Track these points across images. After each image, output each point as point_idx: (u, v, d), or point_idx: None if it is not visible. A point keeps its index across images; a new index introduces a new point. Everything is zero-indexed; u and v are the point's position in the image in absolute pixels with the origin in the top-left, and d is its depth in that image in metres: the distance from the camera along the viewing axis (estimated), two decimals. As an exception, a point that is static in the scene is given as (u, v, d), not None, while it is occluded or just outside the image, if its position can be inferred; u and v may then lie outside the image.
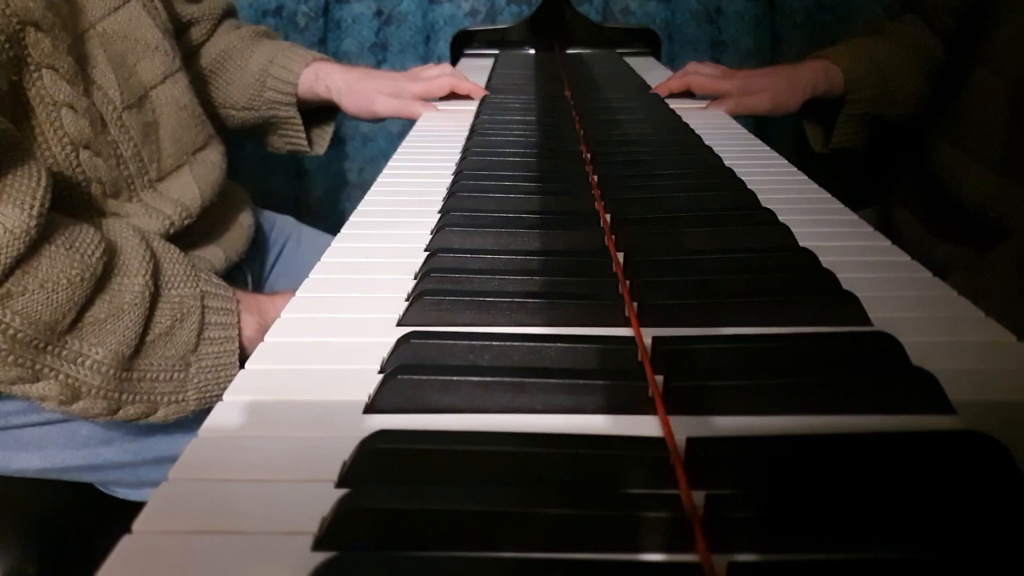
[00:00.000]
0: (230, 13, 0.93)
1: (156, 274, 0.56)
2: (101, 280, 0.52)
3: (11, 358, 0.48)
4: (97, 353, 0.51)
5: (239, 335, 0.59)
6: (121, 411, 0.54)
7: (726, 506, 0.24)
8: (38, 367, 0.50)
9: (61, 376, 0.51)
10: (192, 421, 0.62)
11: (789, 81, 0.91)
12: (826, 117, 0.95)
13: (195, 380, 0.57)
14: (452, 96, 0.95)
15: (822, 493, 0.26)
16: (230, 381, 0.56)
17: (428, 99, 0.93)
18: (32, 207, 0.47)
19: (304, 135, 0.94)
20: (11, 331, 0.47)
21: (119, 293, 0.53)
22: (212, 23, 0.87)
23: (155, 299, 0.55)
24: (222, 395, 0.54)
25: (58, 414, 0.61)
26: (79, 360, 0.51)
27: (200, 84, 0.88)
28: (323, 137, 0.98)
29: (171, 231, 0.65)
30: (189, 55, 0.86)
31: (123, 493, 0.66)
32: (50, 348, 0.50)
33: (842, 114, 0.91)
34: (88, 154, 0.59)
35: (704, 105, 0.92)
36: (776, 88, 0.91)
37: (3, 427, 0.62)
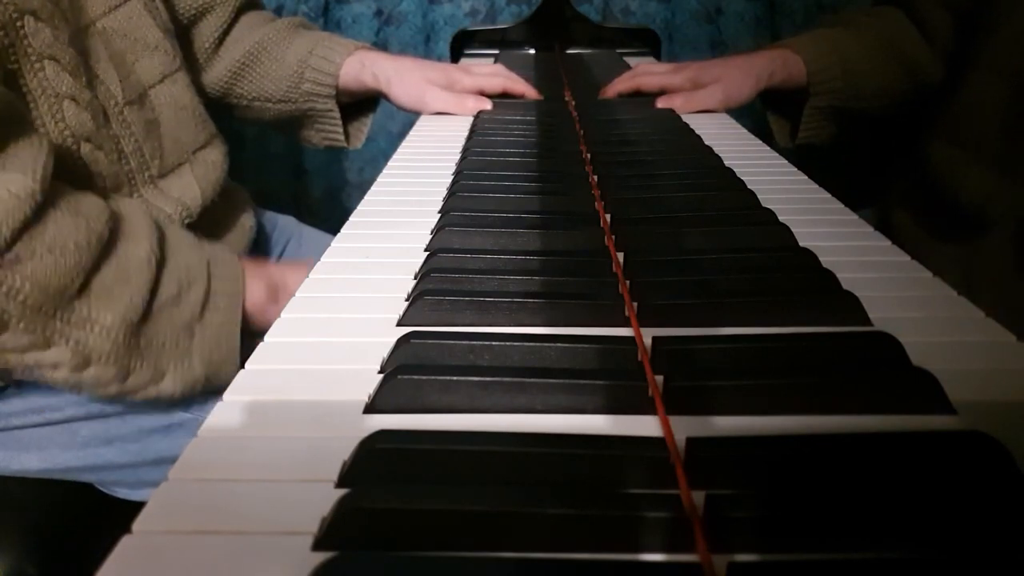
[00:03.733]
0: (253, 4, 0.91)
1: (162, 242, 0.56)
2: (107, 246, 0.52)
3: (22, 325, 0.48)
4: (106, 319, 0.51)
5: (244, 302, 0.60)
6: (131, 377, 0.54)
7: (726, 506, 0.24)
8: (48, 333, 0.50)
9: (71, 342, 0.51)
10: (192, 421, 0.62)
11: (741, 71, 0.87)
12: (791, 110, 0.92)
13: (199, 348, 0.57)
14: (502, 96, 0.93)
15: (822, 493, 0.26)
16: (234, 350, 0.57)
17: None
18: (36, 172, 0.47)
19: (342, 128, 0.92)
20: (21, 296, 0.47)
21: (126, 259, 0.53)
22: (230, 11, 0.85)
23: (161, 266, 0.55)
24: (229, 361, 0.55)
25: (59, 414, 0.62)
26: (88, 326, 0.51)
27: (232, 77, 0.87)
28: (360, 130, 0.96)
29: None
30: (209, 48, 0.85)
31: (123, 493, 0.66)
32: (59, 314, 0.50)
33: (807, 107, 0.88)
34: (89, 147, 0.60)
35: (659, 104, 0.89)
36: (728, 79, 0.87)
37: (4, 428, 0.62)
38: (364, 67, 0.88)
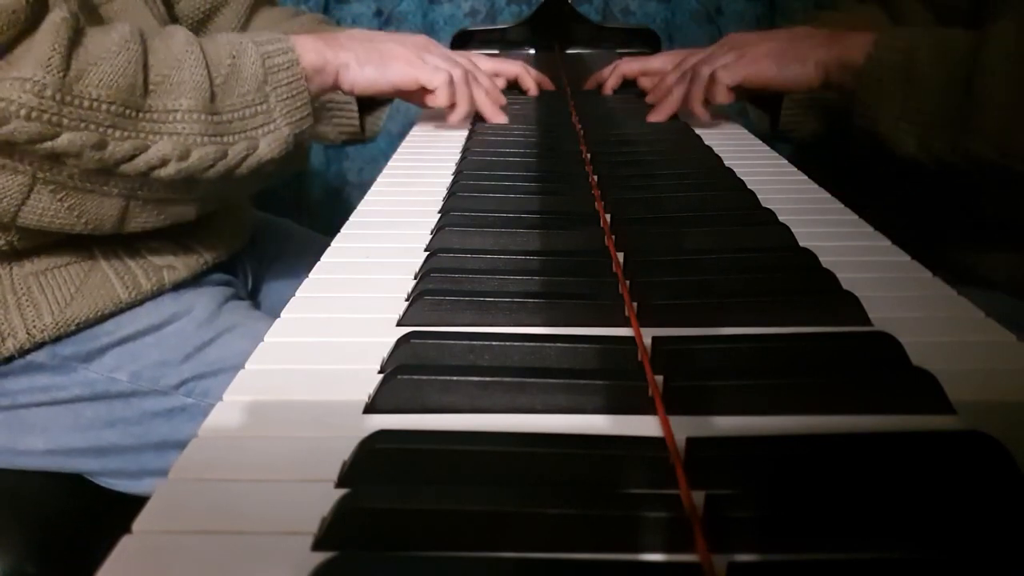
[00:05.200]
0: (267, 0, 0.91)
1: (192, 33, 0.59)
2: (146, 45, 0.55)
3: (118, 132, 0.53)
4: (183, 104, 0.55)
5: (300, 60, 0.63)
6: (231, 152, 0.58)
7: (726, 506, 0.24)
8: (143, 134, 0.54)
9: (165, 136, 0.55)
10: (194, 407, 0.63)
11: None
12: (771, 100, 0.90)
13: (278, 108, 0.61)
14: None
15: (822, 493, 0.26)
16: (308, 103, 0.62)
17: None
18: (62, 6, 0.51)
19: (358, 120, 0.92)
20: (104, 105, 0.52)
21: (168, 49, 0.56)
22: (243, 8, 0.85)
23: (203, 46, 0.58)
24: (307, 117, 0.61)
25: (64, 393, 0.63)
26: (171, 116, 0.55)
27: None
28: (375, 123, 0.96)
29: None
30: None
31: (123, 486, 0.66)
32: (142, 114, 0.54)
33: (785, 99, 0.86)
34: None
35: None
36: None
37: (10, 406, 0.63)
38: None
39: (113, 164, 0.54)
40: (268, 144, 0.60)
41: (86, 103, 0.51)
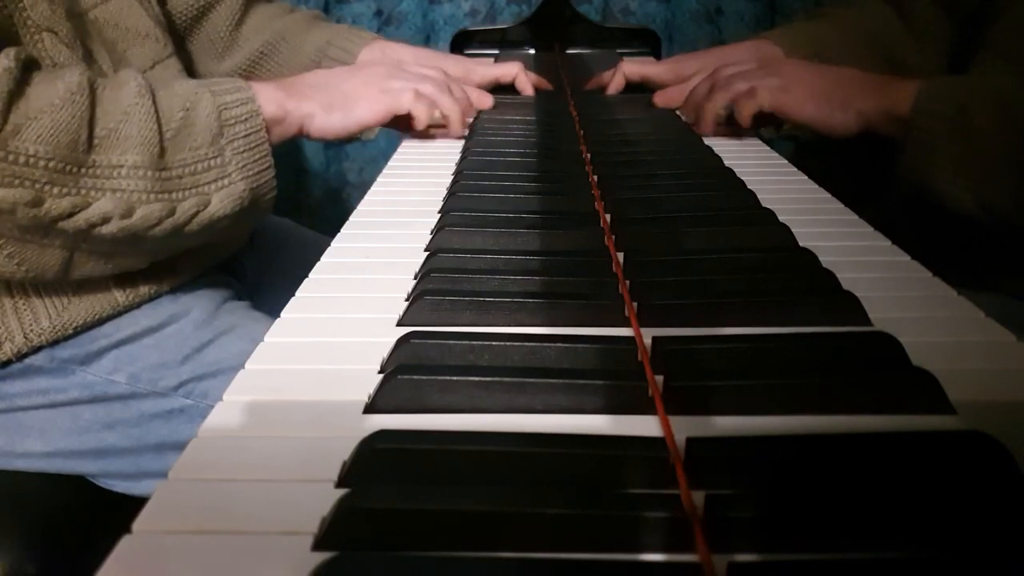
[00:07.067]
0: None
1: (146, 82, 0.56)
2: (94, 96, 0.53)
3: (56, 189, 0.50)
4: (129, 159, 0.53)
5: (261, 110, 0.60)
6: (179, 209, 0.55)
7: (726, 506, 0.24)
8: (84, 191, 0.51)
9: (108, 192, 0.52)
10: (193, 408, 0.63)
11: (719, 58, 0.86)
12: None
13: (233, 162, 0.58)
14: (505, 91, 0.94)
15: (822, 493, 0.26)
16: (267, 156, 0.60)
17: (491, 87, 0.91)
18: (8, 54, 0.49)
19: None
20: (41, 162, 0.49)
21: (117, 101, 0.54)
22: (238, 5, 0.85)
23: (156, 97, 0.56)
24: (266, 171, 0.59)
25: (63, 396, 0.63)
26: (116, 172, 0.52)
27: (250, 67, 0.87)
28: None
29: None
30: (224, 38, 0.85)
31: (123, 487, 0.66)
32: (84, 170, 0.51)
33: None
34: None
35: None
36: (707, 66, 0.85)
37: (8, 409, 0.62)
38: (385, 55, 0.88)
39: (50, 221, 0.51)
40: (220, 200, 0.57)
41: (21, 159, 0.49)
